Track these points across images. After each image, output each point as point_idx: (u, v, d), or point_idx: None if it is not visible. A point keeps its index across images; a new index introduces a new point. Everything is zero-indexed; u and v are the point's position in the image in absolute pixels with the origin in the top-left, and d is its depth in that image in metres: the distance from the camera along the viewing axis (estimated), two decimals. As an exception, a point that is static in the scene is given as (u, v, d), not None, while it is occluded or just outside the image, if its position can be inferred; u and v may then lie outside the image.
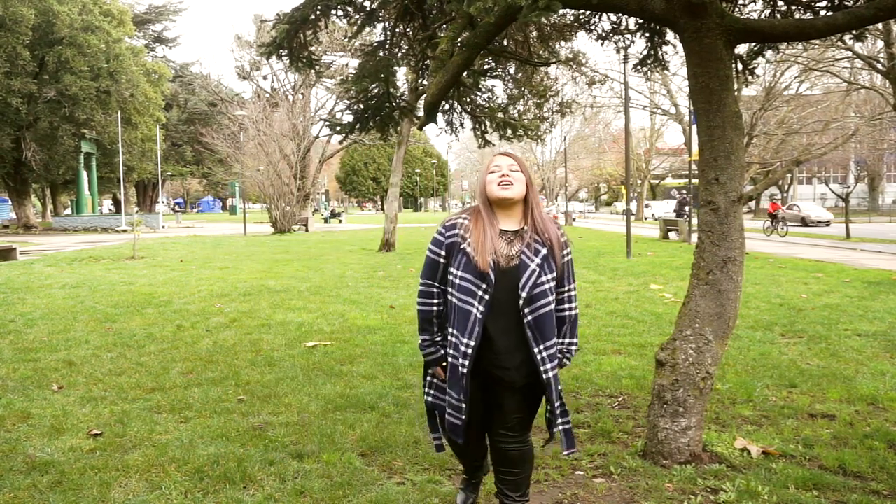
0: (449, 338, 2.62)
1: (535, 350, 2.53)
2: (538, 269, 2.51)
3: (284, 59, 5.50)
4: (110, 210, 57.83)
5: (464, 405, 2.57)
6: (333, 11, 5.12)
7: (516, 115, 7.74)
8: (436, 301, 2.65)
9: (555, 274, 2.58)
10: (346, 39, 16.72)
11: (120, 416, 4.42)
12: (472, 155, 74.75)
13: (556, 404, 2.61)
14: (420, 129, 6.18)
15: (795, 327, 7.18)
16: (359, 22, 5.35)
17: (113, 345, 6.62)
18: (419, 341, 2.72)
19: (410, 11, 5.18)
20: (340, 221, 46.05)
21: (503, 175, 2.57)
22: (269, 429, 4.19)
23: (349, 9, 5.20)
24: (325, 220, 46.54)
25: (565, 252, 2.64)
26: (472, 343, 2.50)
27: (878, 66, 18.32)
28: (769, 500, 3.14)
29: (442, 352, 2.65)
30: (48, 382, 5.29)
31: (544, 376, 2.55)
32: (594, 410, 4.52)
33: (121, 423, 4.30)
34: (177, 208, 68.46)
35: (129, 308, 8.84)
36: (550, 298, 2.57)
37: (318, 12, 5.03)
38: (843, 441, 3.89)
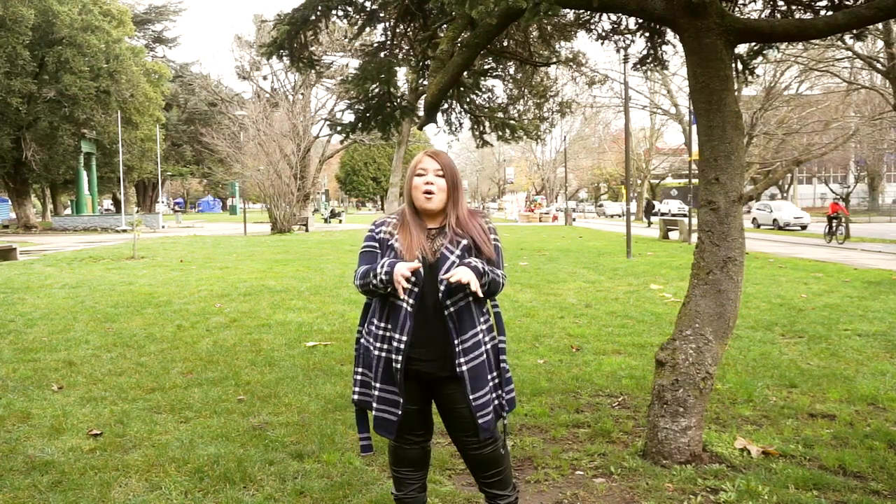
0: (376, 331, 2.62)
1: (454, 342, 2.55)
2: (457, 261, 2.55)
3: (285, 59, 5.50)
4: (109, 210, 57.82)
5: (400, 399, 2.59)
6: (334, 12, 5.12)
7: (516, 115, 7.74)
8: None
9: None
10: (347, 40, 16.74)
11: (120, 416, 4.42)
12: (472, 155, 74.74)
13: (473, 397, 2.57)
14: (420, 129, 6.18)
15: (795, 327, 7.18)
16: (359, 22, 5.36)
17: (113, 345, 6.63)
18: (371, 278, 2.54)
19: (411, 12, 5.18)
20: (340, 221, 46.04)
21: (427, 183, 2.63)
22: (269, 429, 4.19)
23: (350, 9, 5.20)
24: (325, 220, 46.53)
25: (493, 237, 2.68)
26: (405, 338, 2.54)
27: (878, 66, 18.33)
28: (769, 500, 3.14)
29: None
30: (48, 382, 5.29)
31: (458, 369, 2.56)
32: (594, 410, 4.52)
33: (121, 423, 4.30)
34: (177, 208, 68.45)
35: (129, 308, 8.84)
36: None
37: (318, 13, 5.03)
38: (843, 441, 3.90)
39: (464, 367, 2.56)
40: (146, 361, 5.95)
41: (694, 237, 17.53)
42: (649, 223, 36.97)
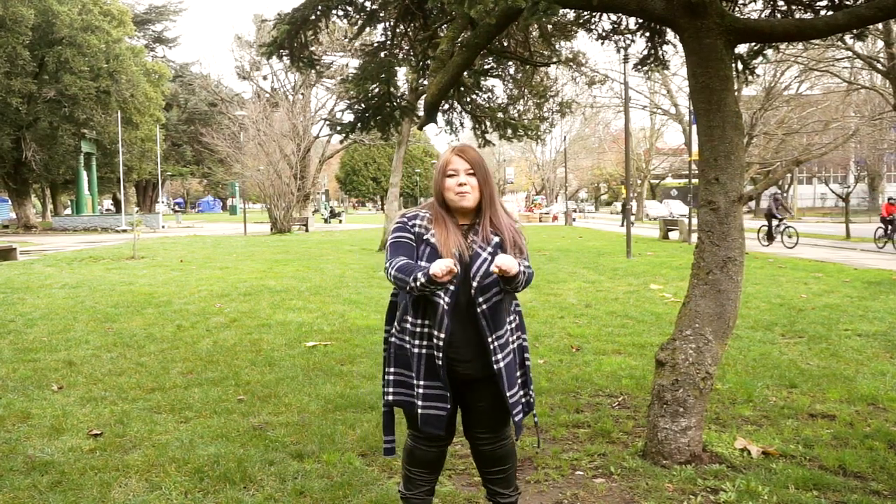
0: (413, 328, 2.57)
1: (489, 339, 2.54)
2: (490, 258, 2.52)
3: (285, 59, 5.50)
4: (109, 210, 57.81)
5: (447, 394, 2.57)
6: (334, 12, 5.12)
7: (516, 115, 7.74)
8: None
9: None
10: (347, 40, 16.74)
11: (120, 416, 4.42)
12: (472, 155, 74.60)
13: (508, 394, 2.58)
14: (420, 129, 6.18)
15: (795, 327, 7.18)
16: (359, 22, 5.36)
17: (113, 345, 6.62)
18: (410, 281, 2.42)
19: (411, 12, 5.18)
20: (340, 221, 46.04)
21: (461, 184, 2.58)
22: (269, 429, 4.19)
23: (350, 9, 5.20)
24: (325, 220, 46.52)
25: (521, 237, 2.67)
26: (444, 335, 2.51)
27: (878, 66, 18.33)
28: (769, 500, 3.14)
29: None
30: (48, 382, 5.29)
31: (495, 366, 2.55)
32: (594, 410, 4.52)
33: (121, 423, 4.30)
34: (177, 208, 68.45)
35: (129, 308, 8.84)
36: (500, 286, 2.55)
37: (318, 13, 5.03)
38: (843, 441, 3.89)
39: (501, 364, 2.55)
40: (146, 361, 5.95)
41: (694, 237, 17.52)
42: (623, 223, 37.24)
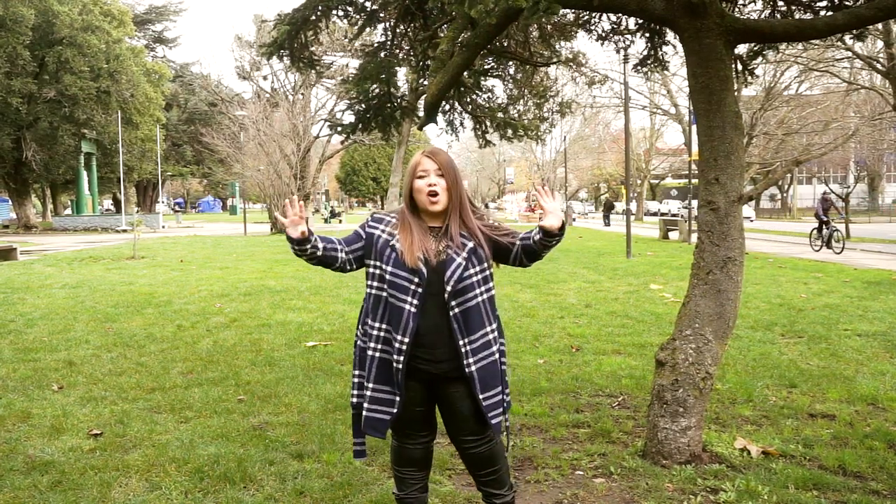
0: (371, 331, 2.62)
1: (460, 343, 2.55)
2: (464, 262, 2.55)
3: (285, 59, 5.51)
4: (109, 210, 57.81)
5: (396, 399, 2.59)
6: (334, 12, 5.12)
7: (516, 115, 7.74)
8: (338, 249, 2.65)
9: (484, 265, 2.62)
10: (347, 40, 16.75)
11: (120, 416, 4.42)
12: (472, 155, 74.72)
13: (482, 396, 2.58)
14: (420, 129, 6.18)
15: (795, 327, 7.19)
16: (359, 22, 5.36)
17: (113, 345, 6.63)
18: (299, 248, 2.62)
19: (411, 12, 5.18)
20: (341, 221, 46.04)
21: (430, 185, 2.61)
22: (269, 429, 4.19)
23: (350, 9, 5.21)
24: (326, 220, 46.52)
25: (496, 227, 2.69)
26: (407, 340, 2.53)
27: (878, 66, 18.33)
28: (769, 500, 3.14)
29: (312, 240, 2.61)
30: (48, 382, 5.29)
31: (466, 370, 2.56)
32: (594, 410, 4.52)
33: (121, 423, 4.30)
34: (177, 208, 68.43)
35: (129, 308, 8.84)
36: (478, 291, 2.58)
37: (318, 13, 5.04)
38: (843, 441, 3.90)
39: (472, 368, 2.56)
40: (146, 361, 5.96)
41: (694, 237, 17.49)
42: (607, 223, 37.50)
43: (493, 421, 2.62)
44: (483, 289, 2.60)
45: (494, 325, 2.66)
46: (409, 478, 2.78)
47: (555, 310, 8.48)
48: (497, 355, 2.65)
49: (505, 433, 2.77)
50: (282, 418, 4.39)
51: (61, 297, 9.93)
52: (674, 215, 43.16)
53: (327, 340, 6.77)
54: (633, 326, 7.35)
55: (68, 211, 50.28)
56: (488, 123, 6.87)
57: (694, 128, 18.68)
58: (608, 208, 39.90)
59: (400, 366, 2.55)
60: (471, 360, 2.56)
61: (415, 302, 2.53)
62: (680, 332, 3.65)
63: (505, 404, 2.70)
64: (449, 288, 2.53)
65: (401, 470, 2.79)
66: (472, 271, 2.57)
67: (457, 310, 2.55)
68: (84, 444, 3.94)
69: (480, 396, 2.58)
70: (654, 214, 51.26)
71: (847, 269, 13.09)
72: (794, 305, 8.59)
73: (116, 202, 53.63)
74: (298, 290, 10.54)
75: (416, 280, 2.52)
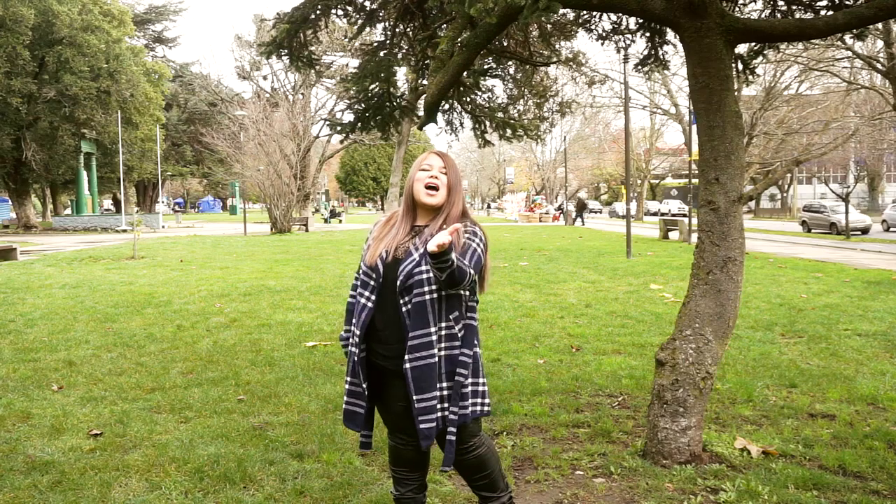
0: (350, 327, 2.73)
1: (408, 337, 2.55)
2: (419, 259, 2.55)
3: (284, 58, 5.51)
4: (109, 210, 57.81)
5: (364, 391, 2.64)
6: (334, 11, 5.12)
7: (516, 115, 7.75)
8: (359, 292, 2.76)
9: None
10: (347, 39, 16.73)
11: (120, 416, 4.42)
12: (472, 155, 74.72)
13: (416, 398, 2.52)
14: (420, 129, 6.19)
15: (795, 327, 7.18)
16: (359, 22, 5.36)
17: (113, 345, 6.63)
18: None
19: (411, 11, 5.18)
20: (340, 221, 46.05)
21: (432, 176, 2.65)
22: (269, 429, 4.19)
23: (349, 9, 5.21)
24: (325, 220, 46.52)
25: (467, 237, 2.59)
26: (359, 332, 2.61)
27: (878, 66, 18.33)
28: (769, 500, 3.14)
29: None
30: (48, 382, 5.29)
31: (404, 366, 2.53)
32: (594, 410, 4.52)
33: (121, 423, 4.30)
34: (177, 208, 68.44)
35: (129, 308, 8.84)
36: (426, 289, 2.53)
37: (318, 12, 5.04)
38: (843, 441, 3.90)
39: (407, 365, 2.53)
40: (146, 361, 5.96)
41: (694, 237, 17.50)
42: (579, 221, 37.45)
43: (422, 426, 2.53)
44: (434, 287, 2.53)
45: (441, 327, 2.55)
46: (404, 478, 2.81)
47: (555, 310, 8.48)
48: (436, 360, 2.53)
49: (451, 446, 2.58)
50: (282, 418, 4.39)
51: (61, 297, 9.93)
52: (674, 215, 43.31)
53: (327, 340, 6.77)
54: (633, 326, 7.35)
55: (68, 211, 50.29)
56: (488, 123, 6.87)
57: (694, 128, 18.69)
58: (581, 207, 40.26)
59: (356, 357, 2.63)
60: (407, 357, 2.53)
61: (372, 297, 2.60)
62: (680, 331, 3.65)
63: (446, 413, 2.56)
64: (398, 282, 2.56)
65: (397, 470, 2.81)
66: (423, 268, 2.53)
67: (409, 304, 2.56)
68: (84, 444, 3.94)
69: (414, 398, 2.54)
70: (655, 214, 51.53)
71: (847, 268, 13.09)
72: (794, 305, 8.59)
73: (116, 202, 53.63)
74: (298, 290, 10.54)
75: (374, 276, 2.60)
